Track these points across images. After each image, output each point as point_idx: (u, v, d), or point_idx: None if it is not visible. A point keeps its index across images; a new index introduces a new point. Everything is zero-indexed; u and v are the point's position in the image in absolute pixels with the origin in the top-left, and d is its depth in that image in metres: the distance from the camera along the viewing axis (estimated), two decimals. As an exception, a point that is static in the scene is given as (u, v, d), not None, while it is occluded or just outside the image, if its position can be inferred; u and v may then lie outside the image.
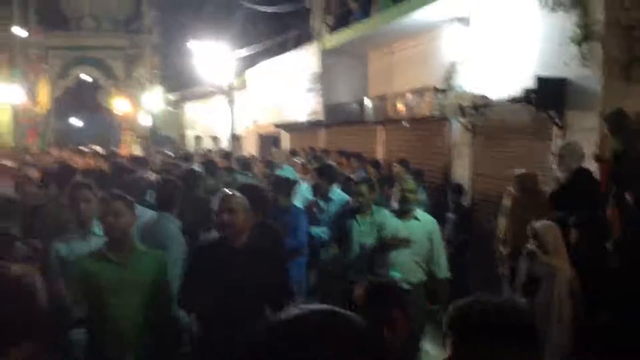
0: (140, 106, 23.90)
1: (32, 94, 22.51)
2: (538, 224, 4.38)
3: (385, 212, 5.15)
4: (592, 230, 4.24)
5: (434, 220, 5.14)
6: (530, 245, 4.34)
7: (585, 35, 5.74)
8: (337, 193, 6.44)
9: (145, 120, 23.76)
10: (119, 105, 23.84)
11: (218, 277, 3.35)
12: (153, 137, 23.35)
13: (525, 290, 4.28)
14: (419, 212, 5.09)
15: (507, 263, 5.56)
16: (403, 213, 4.96)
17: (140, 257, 3.50)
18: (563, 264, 4.18)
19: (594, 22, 5.68)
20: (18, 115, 22.02)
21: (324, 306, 1.09)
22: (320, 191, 6.45)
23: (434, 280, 4.95)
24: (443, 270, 4.97)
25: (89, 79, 25.18)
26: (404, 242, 4.78)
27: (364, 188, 5.25)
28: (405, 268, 4.73)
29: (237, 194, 3.64)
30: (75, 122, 27.89)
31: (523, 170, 5.72)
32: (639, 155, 4.96)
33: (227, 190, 3.79)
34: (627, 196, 4.39)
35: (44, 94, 23.13)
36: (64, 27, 24.72)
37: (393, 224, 4.95)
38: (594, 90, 5.69)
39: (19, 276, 1.70)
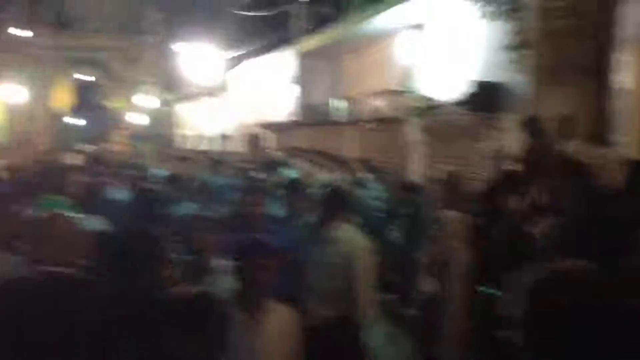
0: (137, 105, 24.47)
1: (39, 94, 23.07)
2: (445, 213, 4.82)
3: None
4: (491, 221, 4.65)
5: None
6: (436, 231, 4.78)
7: (520, 43, 6.14)
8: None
9: (140, 120, 24.30)
10: (117, 104, 24.46)
11: None
12: (139, 136, 23.66)
13: (430, 269, 4.72)
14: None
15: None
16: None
17: None
18: (461, 247, 4.59)
19: (528, 31, 6.09)
20: (15, 114, 22.49)
21: None
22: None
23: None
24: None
25: (90, 79, 25.78)
26: None
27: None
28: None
29: None
30: (77, 121, 28.41)
31: (448, 169, 6.11)
32: (553, 151, 5.36)
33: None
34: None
35: (63, 96, 23.50)
36: (66, 28, 25.32)
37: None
38: (525, 94, 6.09)
39: None
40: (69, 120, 26.58)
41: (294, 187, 5.15)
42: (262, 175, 8.03)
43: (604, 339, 1.21)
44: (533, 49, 5.96)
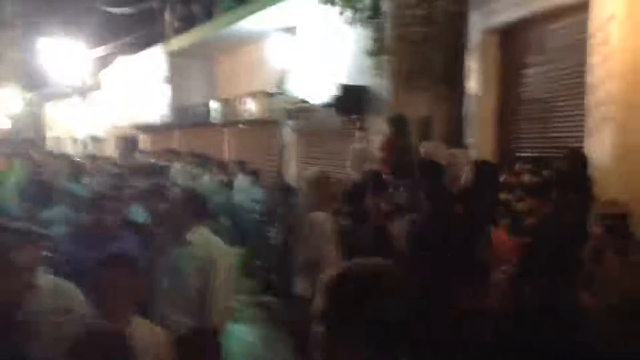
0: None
1: None
2: (312, 215, 4.94)
3: None
4: (356, 218, 4.85)
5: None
6: (306, 232, 4.89)
7: (378, 49, 6.43)
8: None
9: (2, 122, 22.41)
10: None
11: None
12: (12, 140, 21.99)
13: (302, 269, 4.83)
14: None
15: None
16: None
17: None
18: (331, 248, 4.74)
19: (385, 37, 6.38)
20: None
21: None
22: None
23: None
24: None
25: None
26: None
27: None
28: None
29: None
30: None
31: (314, 170, 6.28)
32: (412, 152, 5.68)
33: None
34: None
35: None
36: None
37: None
38: (385, 97, 6.39)
39: None
40: None
41: (156, 192, 5.00)
42: (132, 180, 7.74)
43: (392, 332, 1.33)
44: (390, 55, 6.27)
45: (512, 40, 5.62)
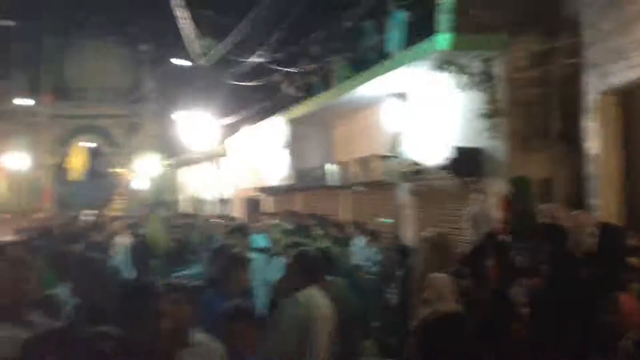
0: (138, 171, 24.99)
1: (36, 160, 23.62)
2: (432, 275, 5.01)
3: None
4: (476, 280, 4.86)
5: None
6: (425, 294, 4.97)
7: (492, 111, 6.52)
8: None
9: (141, 185, 24.74)
10: (119, 170, 25.03)
11: None
12: (150, 202, 24.13)
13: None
14: None
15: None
16: None
17: None
18: (450, 309, 4.77)
19: (499, 100, 6.48)
20: (17, 180, 22.89)
21: None
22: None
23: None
24: None
25: (92, 146, 26.41)
26: None
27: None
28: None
29: None
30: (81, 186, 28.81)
31: (433, 230, 6.36)
32: (533, 214, 5.62)
33: None
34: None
35: (77, 161, 23.91)
36: (68, 97, 26.15)
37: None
38: (501, 159, 6.42)
39: None
40: (72, 186, 27.01)
41: (266, 251, 5.28)
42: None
43: None
44: (504, 117, 6.33)
45: (632, 100, 5.50)
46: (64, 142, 25.71)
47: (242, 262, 4.35)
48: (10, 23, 21.98)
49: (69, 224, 11.26)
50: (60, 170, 25.39)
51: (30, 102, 23.87)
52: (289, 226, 9.23)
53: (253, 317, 3.05)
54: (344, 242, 8.94)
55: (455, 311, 1.81)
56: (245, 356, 2.94)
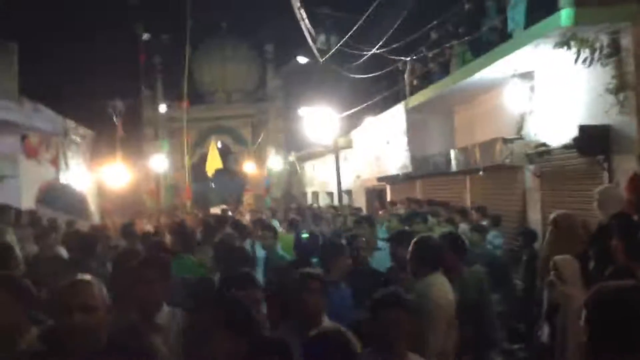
0: (266, 167, 26.31)
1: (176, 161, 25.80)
2: (558, 258, 4.97)
3: None
4: (599, 260, 4.75)
5: None
6: (551, 276, 4.94)
7: (621, 86, 6.24)
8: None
9: (270, 180, 26.03)
10: (248, 167, 26.52)
11: None
12: (284, 196, 25.37)
13: (546, 315, 4.87)
14: None
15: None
16: None
17: None
18: (576, 292, 4.72)
19: (628, 73, 6.18)
20: (160, 181, 25.09)
21: None
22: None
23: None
24: None
25: (222, 145, 28.22)
26: None
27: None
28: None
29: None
30: (213, 185, 30.90)
31: (560, 212, 6.20)
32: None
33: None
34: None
35: (210, 161, 25.96)
36: (200, 101, 28.16)
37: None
38: (631, 135, 6.13)
39: None
40: (206, 184, 29.08)
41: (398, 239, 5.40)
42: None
43: None
44: (633, 91, 6.03)
45: None
46: (198, 144, 27.67)
47: (340, 249, 4.68)
48: (148, 37, 24.20)
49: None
50: (195, 170, 27.32)
51: (164, 109, 26.24)
52: (403, 215, 9.35)
53: (405, 303, 2.97)
54: (481, 229, 8.75)
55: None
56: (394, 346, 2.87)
